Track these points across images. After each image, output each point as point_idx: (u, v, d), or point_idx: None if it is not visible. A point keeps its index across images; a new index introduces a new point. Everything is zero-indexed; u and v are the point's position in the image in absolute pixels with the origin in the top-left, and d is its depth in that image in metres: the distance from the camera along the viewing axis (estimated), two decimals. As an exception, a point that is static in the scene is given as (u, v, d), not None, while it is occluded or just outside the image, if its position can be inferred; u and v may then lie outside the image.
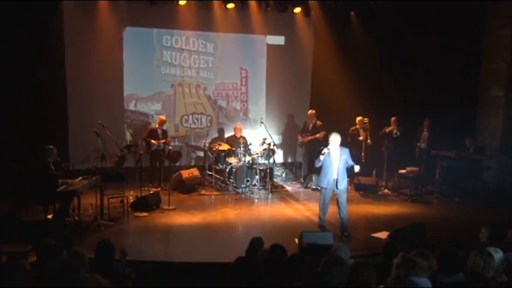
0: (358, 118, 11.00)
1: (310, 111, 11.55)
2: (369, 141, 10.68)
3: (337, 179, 7.37)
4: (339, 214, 7.53)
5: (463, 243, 5.46)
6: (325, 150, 7.30)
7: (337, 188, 7.40)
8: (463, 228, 7.77)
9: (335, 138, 7.38)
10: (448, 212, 9.21)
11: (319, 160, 7.38)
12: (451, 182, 10.48)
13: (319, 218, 7.73)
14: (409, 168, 10.39)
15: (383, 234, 7.44)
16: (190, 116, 12.01)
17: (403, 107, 11.29)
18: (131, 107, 11.47)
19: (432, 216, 8.81)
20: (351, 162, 7.45)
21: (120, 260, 4.88)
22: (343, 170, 7.39)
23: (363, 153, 10.71)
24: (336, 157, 7.36)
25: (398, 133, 10.74)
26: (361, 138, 10.81)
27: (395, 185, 10.81)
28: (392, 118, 10.93)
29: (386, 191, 10.76)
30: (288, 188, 11.10)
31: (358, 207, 9.29)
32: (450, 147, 10.42)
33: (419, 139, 11.02)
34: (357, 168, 7.47)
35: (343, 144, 7.54)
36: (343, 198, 7.46)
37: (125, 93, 11.40)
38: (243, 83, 12.59)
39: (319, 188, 10.17)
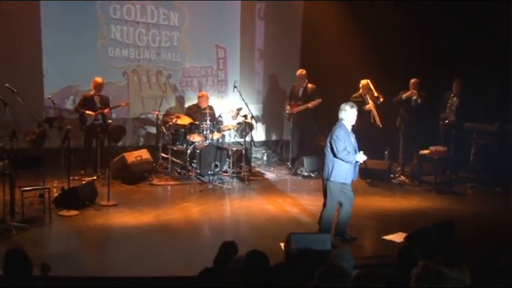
0: (363, 82, 11.07)
1: (299, 72, 11.63)
2: (378, 123, 10.64)
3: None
4: (342, 213, 7.48)
5: (506, 249, 5.55)
6: (360, 158, 7.17)
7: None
8: (506, 228, 7.92)
9: (351, 112, 7.17)
10: (486, 207, 9.37)
11: (351, 163, 7.16)
12: (491, 166, 10.66)
13: (326, 225, 7.39)
14: (433, 148, 10.49)
15: (398, 237, 7.53)
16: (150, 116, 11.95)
17: (425, 66, 11.40)
18: (68, 105, 11.34)
19: (465, 212, 8.95)
20: None
21: (41, 277, 4.84)
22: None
23: (378, 122, 10.65)
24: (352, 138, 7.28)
25: (419, 100, 10.86)
26: (367, 106, 10.88)
27: (415, 170, 10.96)
28: (412, 80, 11.04)
29: (402, 178, 10.93)
30: (271, 175, 11.20)
31: (365, 200, 9.36)
32: (490, 119, 10.58)
33: (446, 108, 11.12)
34: (360, 157, 7.24)
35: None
36: (352, 193, 7.43)
37: (59, 87, 11.27)
38: (221, 66, 12.59)
39: (312, 175, 10.18)
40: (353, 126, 7.32)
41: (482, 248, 6.80)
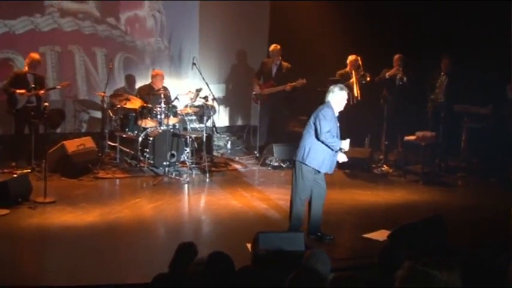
0: (351, 57, 11.16)
1: (273, 47, 11.61)
2: (356, 94, 10.81)
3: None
4: (313, 207, 7.53)
5: (502, 247, 5.62)
6: (345, 145, 7.21)
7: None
8: (502, 224, 7.93)
9: (339, 95, 7.22)
10: (479, 200, 9.50)
11: (334, 148, 7.20)
12: (484, 154, 10.82)
13: (296, 219, 7.51)
14: (420, 133, 10.60)
15: (380, 235, 7.58)
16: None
17: (412, 42, 11.49)
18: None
19: (456, 206, 9.06)
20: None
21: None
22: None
23: (357, 93, 10.77)
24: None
25: (404, 79, 10.94)
26: (351, 80, 10.95)
27: (400, 158, 11.07)
28: (396, 56, 11.12)
29: (385, 168, 11.01)
30: (236, 166, 11.21)
31: (343, 193, 9.40)
32: (482, 101, 10.71)
33: (434, 88, 11.22)
34: (345, 144, 7.28)
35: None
36: (324, 184, 7.48)
37: None
38: (177, 40, 12.64)
39: (283, 165, 10.20)
40: (340, 113, 7.37)
41: (476, 246, 6.91)
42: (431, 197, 9.55)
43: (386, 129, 11.38)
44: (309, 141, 7.23)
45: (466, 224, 8.16)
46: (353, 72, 11.06)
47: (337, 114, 7.26)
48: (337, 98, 7.20)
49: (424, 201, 9.25)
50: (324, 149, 7.18)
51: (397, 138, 11.41)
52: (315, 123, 7.17)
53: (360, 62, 11.14)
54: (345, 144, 7.23)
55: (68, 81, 11.13)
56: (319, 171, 7.32)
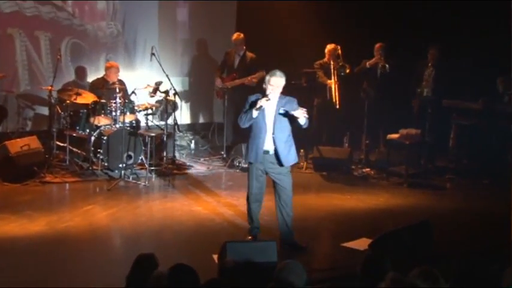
0: (330, 46, 11.26)
1: (236, 35, 11.69)
2: (335, 99, 10.94)
3: (275, 149, 7.48)
4: (279, 212, 7.65)
5: (496, 254, 5.69)
6: (263, 102, 7.34)
7: (276, 163, 7.52)
8: (495, 229, 8.08)
9: (277, 81, 7.42)
10: (470, 203, 9.62)
11: (250, 116, 7.42)
12: (475, 153, 10.94)
13: (248, 219, 7.85)
14: (404, 131, 10.68)
15: (361, 243, 7.63)
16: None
17: (396, 29, 11.62)
18: None
19: (444, 210, 9.18)
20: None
21: None
22: (283, 133, 7.51)
23: (336, 100, 10.93)
24: (271, 112, 7.48)
25: (387, 67, 11.03)
26: (329, 82, 11.12)
27: (382, 159, 11.16)
28: (377, 45, 11.27)
29: (366, 169, 11.12)
30: (200, 168, 11.24)
31: (319, 197, 9.50)
32: (473, 95, 10.84)
33: (420, 81, 11.35)
34: (298, 114, 7.33)
35: (288, 91, 7.64)
36: (285, 183, 7.58)
37: None
38: (134, 29, 12.65)
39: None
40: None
41: (467, 253, 7.03)
42: (417, 201, 9.66)
43: (367, 127, 11.43)
44: None
45: (456, 230, 8.26)
46: (331, 62, 11.17)
47: (275, 100, 7.40)
48: (274, 84, 7.36)
49: (409, 206, 9.35)
50: (252, 137, 7.56)
51: (379, 137, 11.55)
52: None
53: (340, 52, 11.21)
54: (298, 114, 7.32)
55: (2, 73, 11.04)
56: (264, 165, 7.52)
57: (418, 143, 10.81)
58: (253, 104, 7.40)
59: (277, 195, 7.60)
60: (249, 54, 11.56)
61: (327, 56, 11.27)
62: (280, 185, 7.54)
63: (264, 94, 7.40)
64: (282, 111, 7.40)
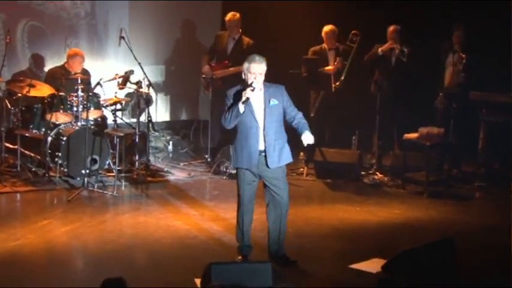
0: (327, 28, 11.32)
1: (230, 15, 11.64)
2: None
3: (264, 150, 7.50)
4: (271, 226, 7.66)
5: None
6: (248, 93, 7.38)
7: (267, 166, 7.52)
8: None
9: (257, 68, 7.46)
10: (503, 217, 9.42)
11: (237, 112, 7.42)
12: (508, 156, 10.84)
13: (238, 235, 7.82)
14: (424, 130, 10.65)
15: (373, 265, 7.58)
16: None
17: (412, 9, 11.66)
18: None
19: (471, 225, 9.12)
20: (293, 113, 7.58)
21: None
22: (276, 128, 7.53)
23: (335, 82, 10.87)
24: (259, 104, 7.51)
25: (403, 56, 11.00)
26: (327, 68, 11.16)
27: (397, 164, 11.09)
28: (390, 28, 11.27)
29: (378, 176, 11.09)
30: (180, 174, 11.28)
31: (323, 209, 9.53)
32: (506, 86, 10.72)
33: (443, 70, 11.34)
34: (308, 139, 7.46)
35: (275, 79, 7.68)
36: (281, 190, 7.57)
37: None
38: (101, 9, 12.71)
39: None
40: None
41: (496, 277, 7.06)
42: (439, 214, 9.64)
43: (379, 125, 11.38)
44: None
45: (485, 250, 8.18)
46: (330, 54, 11.31)
47: (259, 90, 7.49)
48: (253, 70, 7.47)
49: (430, 220, 9.34)
50: (240, 140, 7.63)
51: (393, 137, 11.54)
52: None
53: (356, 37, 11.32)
54: (307, 139, 7.45)
55: None
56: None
57: (441, 144, 10.81)
58: (236, 99, 7.48)
59: (271, 205, 7.59)
60: (246, 39, 11.57)
61: (324, 40, 11.34)
62: (275, 192, 7.53)
63: (245, 85, 7.46)
64: (273, 103, 7.50)
